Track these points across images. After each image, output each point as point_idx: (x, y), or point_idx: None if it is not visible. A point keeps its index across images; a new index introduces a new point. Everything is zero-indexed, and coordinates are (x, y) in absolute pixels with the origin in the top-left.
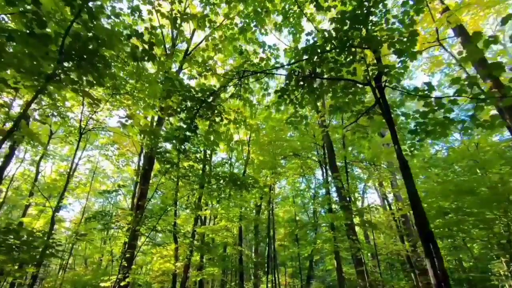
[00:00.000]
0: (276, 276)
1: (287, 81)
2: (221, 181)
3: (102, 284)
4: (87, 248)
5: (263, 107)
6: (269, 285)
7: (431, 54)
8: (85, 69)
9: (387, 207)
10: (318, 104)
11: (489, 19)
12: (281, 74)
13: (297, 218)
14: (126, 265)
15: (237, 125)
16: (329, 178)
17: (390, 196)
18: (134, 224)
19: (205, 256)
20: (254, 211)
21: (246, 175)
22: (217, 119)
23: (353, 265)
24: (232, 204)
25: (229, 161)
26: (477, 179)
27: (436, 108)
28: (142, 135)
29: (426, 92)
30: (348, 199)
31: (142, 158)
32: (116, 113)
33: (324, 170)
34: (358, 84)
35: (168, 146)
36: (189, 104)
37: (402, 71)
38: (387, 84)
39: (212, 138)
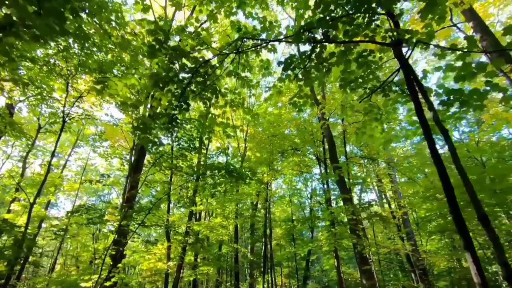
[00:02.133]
0: (272, 276)
1: (296, 42)
2: (216, 173)
3: (82, 284)
4: (78, 247)
5: (260, 103)
6: (265, 285)
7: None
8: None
9: (385, 205)
10: (319, 97)
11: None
12: (287, 41)
13: (294, 217)
14: (111, 263)
15: (235, 108)
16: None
17: (389, 195)
18: (121, 218)
19: (199, 255)
20: (250, 209)
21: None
22: (212, 97)
23: (350, 265)
24: (228, 199)
25: (226, 151)
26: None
27: (475, 71)
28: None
29: (466, 50)
30: (350, 190)
31: (133, 154)
32: (105, 106)
33: (323, 166)
34: (377, 50)
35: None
36: (177, 66)
37: (428, 36)
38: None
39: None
